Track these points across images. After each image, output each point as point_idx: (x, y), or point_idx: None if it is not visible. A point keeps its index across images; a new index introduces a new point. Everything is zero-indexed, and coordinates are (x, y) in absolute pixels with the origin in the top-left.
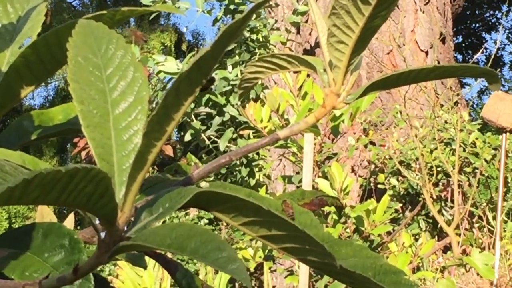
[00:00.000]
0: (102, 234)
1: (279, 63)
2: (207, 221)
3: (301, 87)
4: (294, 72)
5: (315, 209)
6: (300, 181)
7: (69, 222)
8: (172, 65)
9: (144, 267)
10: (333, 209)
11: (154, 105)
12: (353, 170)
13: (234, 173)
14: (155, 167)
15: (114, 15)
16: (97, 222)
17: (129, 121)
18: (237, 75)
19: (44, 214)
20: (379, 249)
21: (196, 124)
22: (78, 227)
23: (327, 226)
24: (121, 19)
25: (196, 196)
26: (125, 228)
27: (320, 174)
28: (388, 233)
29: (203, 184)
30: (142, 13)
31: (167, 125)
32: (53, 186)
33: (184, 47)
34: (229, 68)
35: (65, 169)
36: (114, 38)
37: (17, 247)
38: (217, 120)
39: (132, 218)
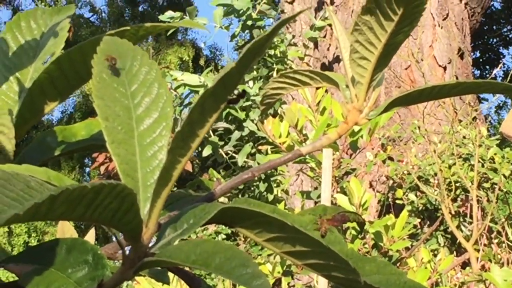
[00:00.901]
0: (126, 250)
1: (301, 79)
2: (224, 236)
3: (319, 102)
4: (317, 88)
5: (337, 225)
6: (319, 196)
7: (90, 237)
8: (194, 78)
9: (167, 282)
10: (351, 224)
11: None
12: (371, 186)
13: (252, 188)
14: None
15: (137, 31)
16: (121, 237)
17: (154, 137)
18: (257, 91)
19: (65, 229)
20: (398, 264)
21: (214, 139)
22: (96, 242)
23: (346, 242)
24: (144, 35)
25: (221, 212)
26: (150, 244)
27: (338, 189)
28: (407, 248)
29: (221, 199)
30: (165, 29)
31: (191, 141)
32: (79, 202)
33: (202, 62)
34: (250, 83)
35: (91, 185)
36: (139, 54)
37: (40, 263)
38: (235, 135)
39: (156, 234)
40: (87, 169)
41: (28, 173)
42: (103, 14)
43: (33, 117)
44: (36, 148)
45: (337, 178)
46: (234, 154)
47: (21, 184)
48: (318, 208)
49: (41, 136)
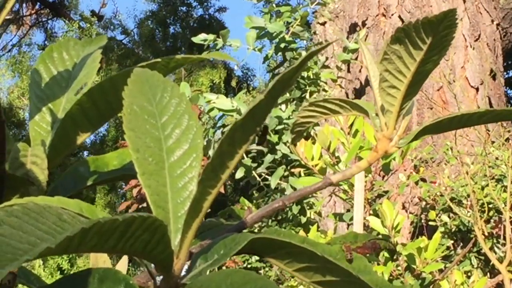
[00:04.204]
0: (158, 279)
1: (331, 107)
2: (257, 258)
3: (352, 124)
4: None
5: (368, 253)
6: (351, 219)
7: (123, 264)
8: (226, 102)
9: None
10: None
11: (204, 143)
12: (404, 207)
13: (285, 211)
14: None
15: (168, 63)
16: (152, 267)
17: (184, 168)
18: (290, 114)
19: (98, 257)
20: (431, 287)
21: (247, 161)
22: (129, 264)
23: (378, 264)
24: (175, 67)
25: (251, 243)
26: (181, 274)
27: (371, 211)
28: (440, 270)
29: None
30: (196, 61)
31: (222, 173)
32: (111, 234)
33: (233, 83)
34: (283, 106)
35: (122, 218)
36: (169, 86)
37: None
38: (268, 157)
39: (188, 263)
40: (121, 191)
41: (60, 205)
42: (135, 36)
43: (66, 148)
44: (70, 178)
45: (369, 201)
46: (267, 176)
47: (53, 217)
48: (349, 235)
49: (74, 166)
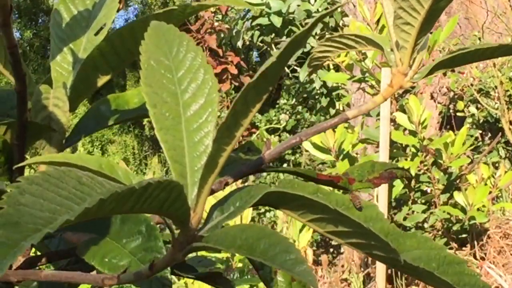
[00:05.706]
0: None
1: (347, 42)
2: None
3: (378, 20)
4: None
5: (385, 182)
6: (378, 114)
7: None
8: None
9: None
10: (411, 141)
11: (233, 34)
12: (432, 97)
13: (316, 100)
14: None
15: (184, 9)
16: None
17: (200, 122)
18: (319, 8)
19: None
20: (458, 181)
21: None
22: None
23: (406, 159)
24: (191, 13)
25: (266, 195)
26: (198, 227)
27: (398, 107)
28: (470, 162)
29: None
30: (211, 6)
31: (236, 130)
32: (128, 199)
33: None
34: (312, 0)
35: (139, 185)
36: (185, 40)
37: (96, 232)
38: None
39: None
40: None
41: (80, 162)
42: None
43: (87, 90)
44: (91, 118)
45: (396, 96)
46: (296, 67)
47: (73, 181)
48: (366, 164)
49: (96, 105)
